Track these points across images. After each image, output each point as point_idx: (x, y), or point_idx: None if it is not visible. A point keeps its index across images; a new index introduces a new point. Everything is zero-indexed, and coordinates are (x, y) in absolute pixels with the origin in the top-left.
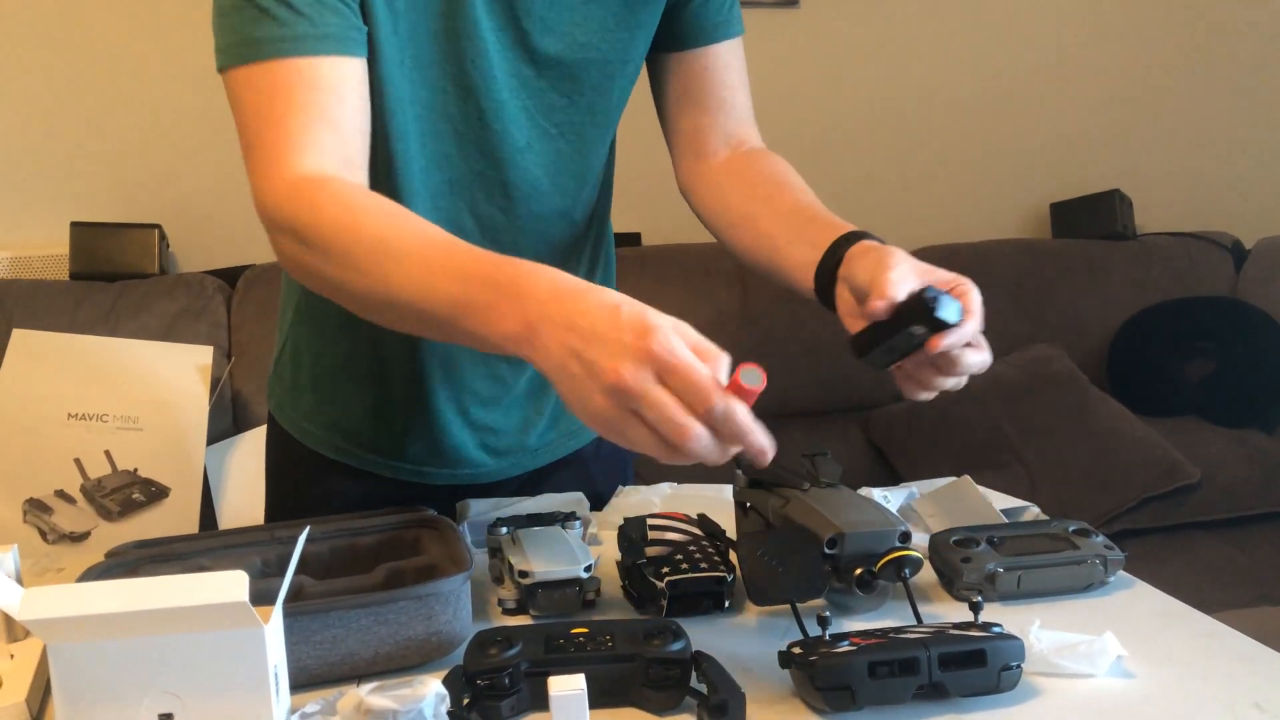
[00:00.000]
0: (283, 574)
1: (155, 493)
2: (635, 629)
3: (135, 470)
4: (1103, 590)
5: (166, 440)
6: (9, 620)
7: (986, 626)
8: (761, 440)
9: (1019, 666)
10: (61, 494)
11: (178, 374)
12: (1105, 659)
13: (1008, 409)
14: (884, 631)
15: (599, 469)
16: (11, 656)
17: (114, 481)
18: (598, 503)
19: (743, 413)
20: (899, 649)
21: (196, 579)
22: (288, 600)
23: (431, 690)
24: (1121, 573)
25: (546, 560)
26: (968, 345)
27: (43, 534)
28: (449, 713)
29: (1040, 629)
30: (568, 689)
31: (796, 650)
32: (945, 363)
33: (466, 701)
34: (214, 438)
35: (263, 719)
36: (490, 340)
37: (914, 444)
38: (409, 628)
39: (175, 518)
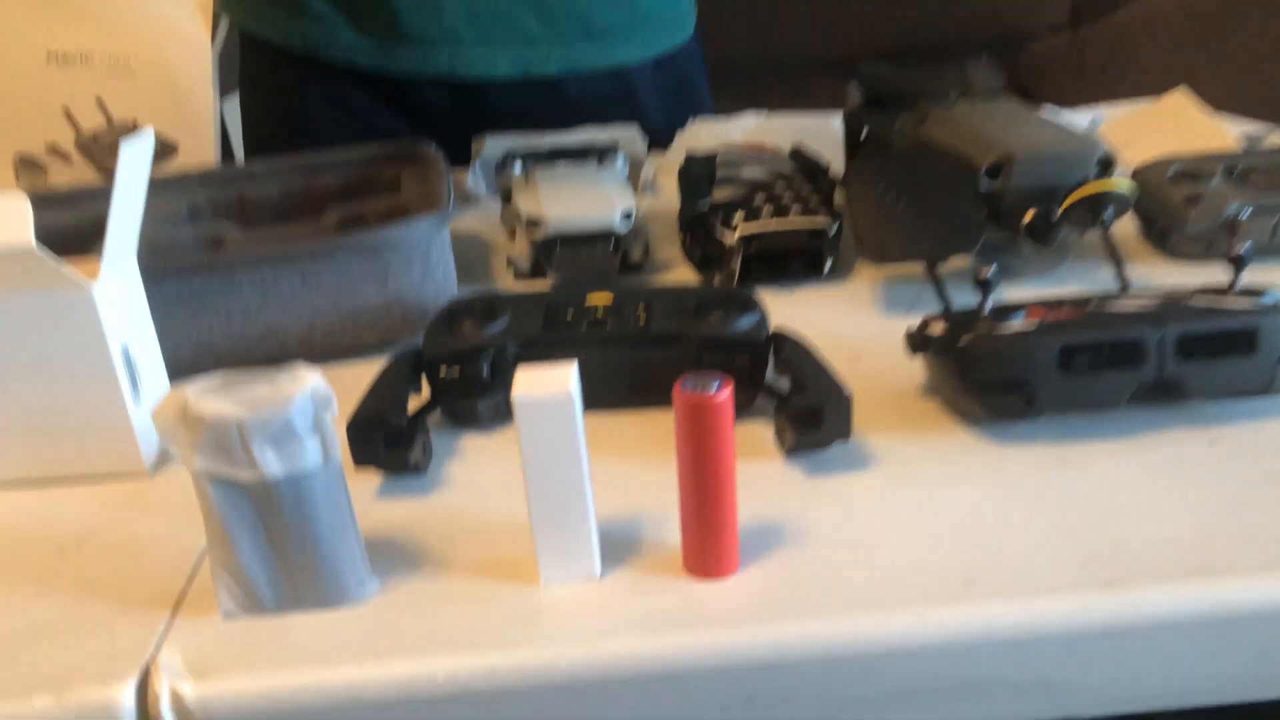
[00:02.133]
0: (215, 220)
1: (159, 149)
2: (683, 298)
3: (134, 122)
4: None
5: (166, 88)
6: None
7: (1253, 293)
8: None
9: None
10: (55, 149)
11: (171, 9)
12: None
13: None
14: (1080, 301)
15: (663, 103)
16: None
17: (110, 135)
18: (660, 144)
19: None
20: (1111, 326)
21: None
22: (191, 254)
23: (303, 389)
24: None
25: (569, 203)
26: None
27: None
28: (360, 425)
29: None
30: (539, 390)
31: (937, 329)
32: None
33: (421, 405)
34: (232, 87)
35: (113, 418)
36: None
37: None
38: (357, 293)
39: None
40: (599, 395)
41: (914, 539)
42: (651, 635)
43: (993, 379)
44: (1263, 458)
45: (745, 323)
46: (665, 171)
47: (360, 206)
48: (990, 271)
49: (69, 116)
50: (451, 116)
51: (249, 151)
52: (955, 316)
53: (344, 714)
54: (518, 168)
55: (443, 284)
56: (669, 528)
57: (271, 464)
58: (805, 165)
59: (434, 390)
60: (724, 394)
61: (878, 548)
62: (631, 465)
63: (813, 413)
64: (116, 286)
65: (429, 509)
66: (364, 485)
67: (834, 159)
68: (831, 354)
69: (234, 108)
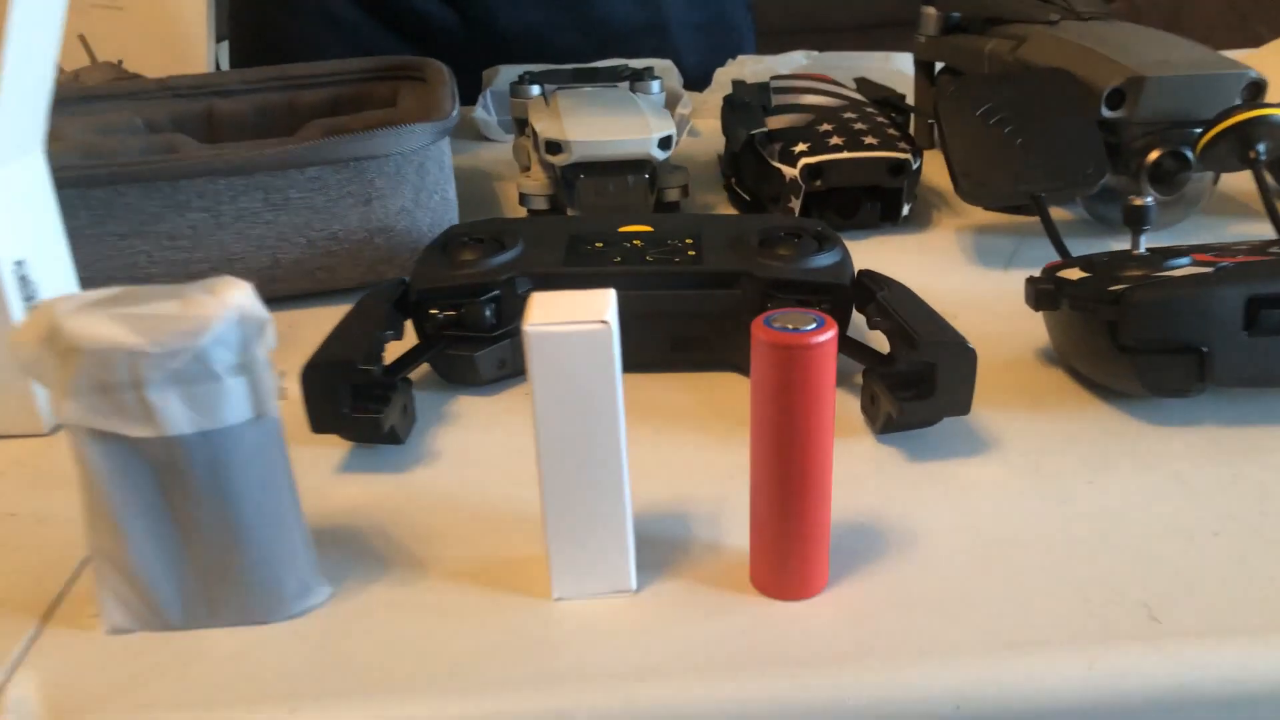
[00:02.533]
0: (174, 135)
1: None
2: (743, 229)
3: (120, 63)
4: None
5: (157, 25)
6: None
7: None
8: None
9: None
10: None
11: None
12: None
13: None
14: (1255, 246)
15: (698, 41)
16: None
17: (94, 76)
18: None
19: None
20: None
21: None
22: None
23: (226, 308)
24: None
25: (596, 126)
26: None
27: None
28: (319, 372)
29: None
30: (562, 321)
31: (1072, 275)
32: None
33: (404, 354)
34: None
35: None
36: None
37: None
38: (333, 218)
39: None
40: (633, 351)
41: (1063, 553)
42: (705, 680)
43: (1159, 339)
44: None
45: (825, 259)
46: (703, 114)
47: (343, 119)
48: (1147, 199)
49: None
50: (460, 44)
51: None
52: (1097, 261)
53: None
54: (535, 90)
55: (440, 212)
56: (728, 527)
57: (177, 414)
58: (876, 94)
59: (422, 337)
60: (826, 335)
61: (1017, 563)
62: (675, 442)
63: (923, 376)
64: (9, 186)
65: (406, 491)
66: (321, 455)
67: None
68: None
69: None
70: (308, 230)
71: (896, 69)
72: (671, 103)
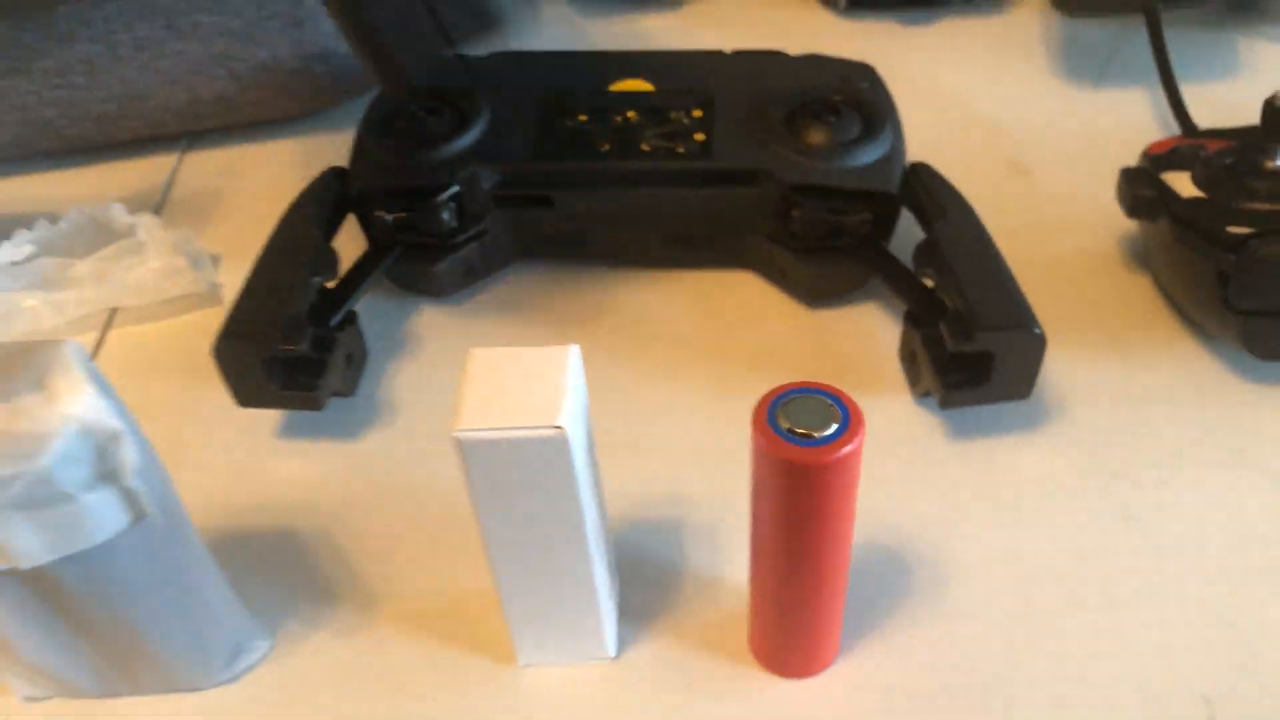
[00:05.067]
0: None
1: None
2: (768, 97)
3: None
4: None
5: None
6: None
7: None
8: None
9: None
10: None
11: None
12: None
13: None
14: None
15: None
16: None
17: None
18: None
19: None
20: None
21: None
22: None
23: (66, 417)
24: None
25: None
26: None
27: None
28: (233, 347)
29: None
30: (500, 415)
31: (1182, 182)
32: None
33: (348, 271)
34: None
35: None
36: None
37: None
38: (253, 41)
39: None
40: (621, 247)
41: (1116, 617)
42: None
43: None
44: None
45: (867, 153)
46: None
47: None
48: None
49: None
50: None
51: None
52: (1217, 167)
53: None
54: None
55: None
56: (728, 551)
57: (29, 544)
58: None
59: (370, 240)
60: (848, 446)
61: (1059, 627)
62: (672, 407)
63: (978, 360)
64: None
65: (355, 472)
66: (256, 419)
67: None
68: (982, 160)
69: None
70: (227, 61)
71: None
72: None
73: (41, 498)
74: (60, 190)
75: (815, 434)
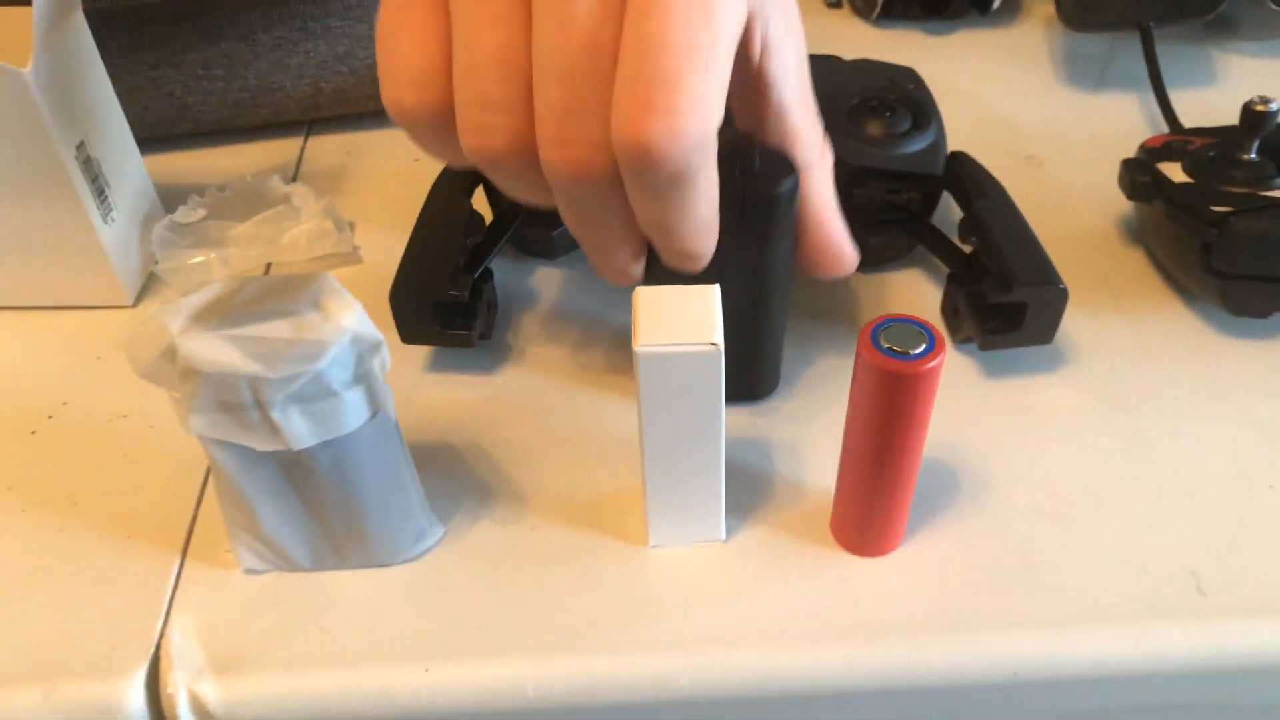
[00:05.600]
0: None
1: None
2: (837, 91)
3: None
4: None
5: None
6: None
7: None
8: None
9: None
10: None
11: None
12: None
13: None
14: None
15: None
16: None
17: None
18: None
19: None
20: None
21: None
22: None
23: (340, 333)
24: None
25: None
26: None
27: None
28: (407, 297)
29: None
30: (670, 332)
31: (1173, 171)
32: None
33: (481, 240)
34: None
35: (79, 239)
36: None
37: None
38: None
39: None
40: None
41: (1122, 514)
42: (791, 648)
43: (1254, 270)
44: None
45: (918, 142)
46: None
47: None
48: (1270, 103)
49: None
50: None
51: None
52: (1202, 159)
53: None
54: None
55: None
56: (807, 458)
57: (300, 430)
58: None
59: (496, 211)
60: (934, 361)
61: (1079, 525)
62: None
63: (1013, 310)
64: (54, 61)
65: (498, 400)
66: (408, 355)
67: None
68: (1000, 154)
69: None
70: (349, 59)
71: None
72: None
73: (314, 393)
74: (202, 165)
75: (910, 351)
